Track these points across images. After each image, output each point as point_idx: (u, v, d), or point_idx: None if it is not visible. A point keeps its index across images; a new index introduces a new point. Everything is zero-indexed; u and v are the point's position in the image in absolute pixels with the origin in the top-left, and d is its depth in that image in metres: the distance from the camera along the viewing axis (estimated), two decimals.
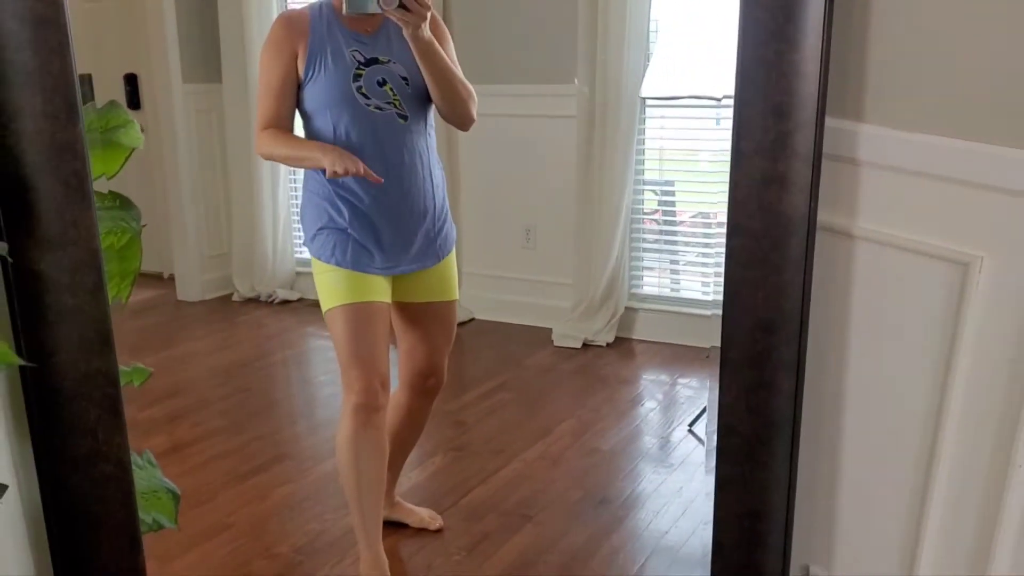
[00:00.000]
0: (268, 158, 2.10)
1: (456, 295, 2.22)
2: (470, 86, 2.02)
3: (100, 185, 1.41)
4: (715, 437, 1.31)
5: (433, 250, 2.11)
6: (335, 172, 1.90)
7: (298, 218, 2.17)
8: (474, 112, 2.04)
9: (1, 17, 1.03)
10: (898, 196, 1.21)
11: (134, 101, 4.80)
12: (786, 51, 1.11)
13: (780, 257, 1.18)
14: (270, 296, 4.58)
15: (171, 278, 4.73)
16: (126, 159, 1.44)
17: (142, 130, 4.56)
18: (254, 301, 4.60)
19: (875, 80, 1.20)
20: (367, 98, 1.96)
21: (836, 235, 1.27)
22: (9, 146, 1.07)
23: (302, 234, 2.15)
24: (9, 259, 1.06)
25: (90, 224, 1.12)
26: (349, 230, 2.02)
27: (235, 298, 4.63)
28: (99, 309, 1.14)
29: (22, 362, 1.03)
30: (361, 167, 1.90)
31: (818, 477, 1.37)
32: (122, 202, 1.37)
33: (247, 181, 4.54)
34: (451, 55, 2.02)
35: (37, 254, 1.10)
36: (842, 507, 1.37)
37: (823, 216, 1.24)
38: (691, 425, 3.14)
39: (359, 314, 2.04)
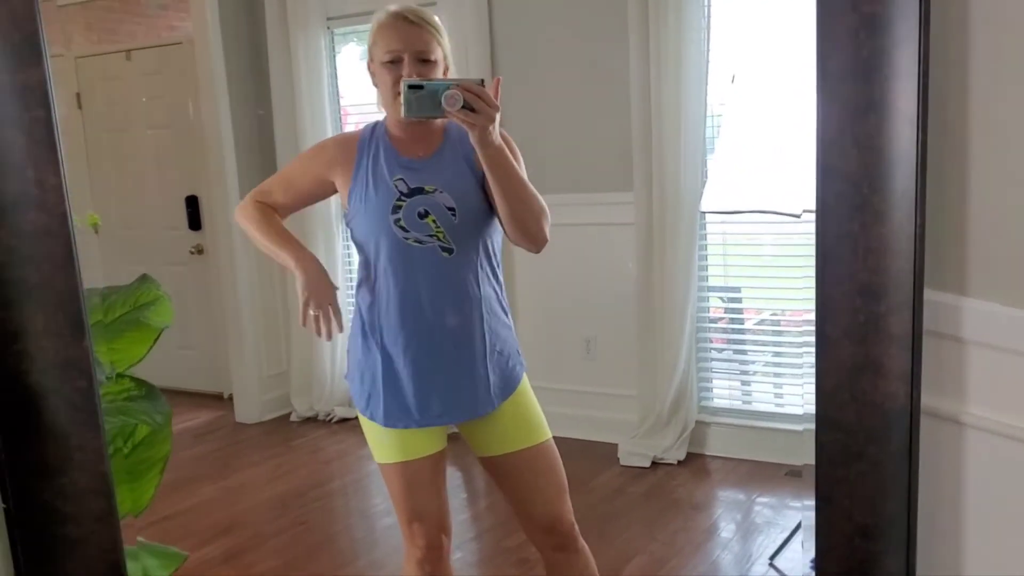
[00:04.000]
0: (241, 227, 1.93)
1: (544, 435, 1.94)
2: (543, 201, 1.80)
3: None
4: None
5: (487, 395, 1.87)
6: (304, 305, 1.77)
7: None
8: (547, 231, 1.82)
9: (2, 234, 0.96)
10: (1011, 379, 1.03)
11: (195, 222, 4.87)
12: (872, 224, 0.97)
13: (878, 453, 1.02)
14: (328, 415, 4.50)
15: (231, 398, 4.69)
16: (155, 341, 1.36)
17: (201, 250, 4.57)
18: (312, 420, 4.52)
19: (978, 250, 1.04)
20: (405, 231, 1.79)
21: (942, 421, 1.09)
22: (10, 368, 0.98)
23: None
24: (4, 505, 0.96)
25: (98, 446, 1.01)
26: (382, 378, 1.85)
27: (293, 418, 4.55)
28: (108, 537, 1.02)
29: None
30: (330, 308, 1.77)
31: None
32: (147, 391, 1.28)
33: None
34: (522, 171, 1.82)
35: (40, 482, 1.00)
36: None
37: (928, 400, 1.07)
38: (772, 559, 2.91)
39: (410, 471, 1.90)
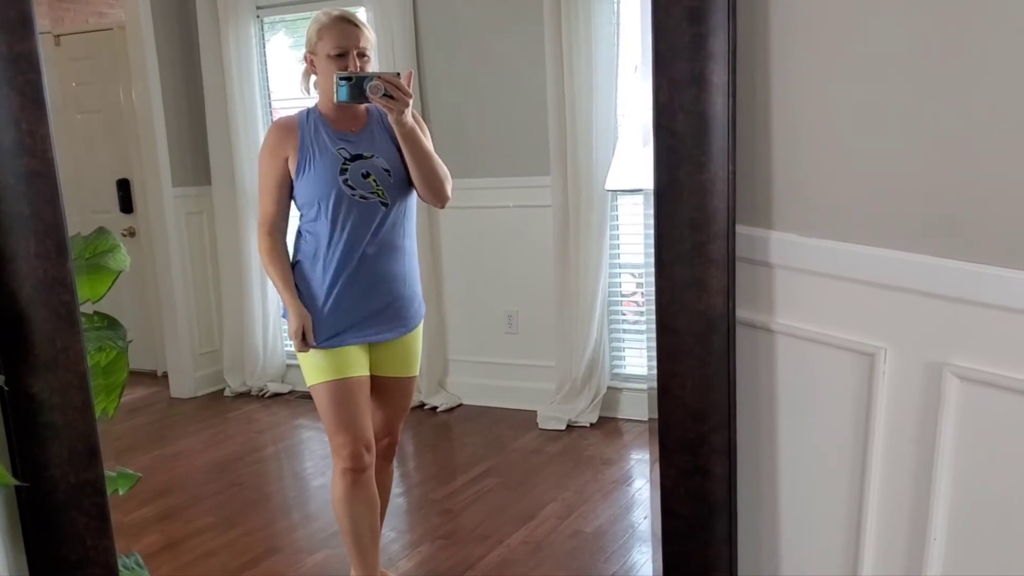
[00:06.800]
0: (263, 262, 2.33)
1: (417, 371, 2.46)
2: (445, 168, 2.26)
3: (88, 306, 1.53)
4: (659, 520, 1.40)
5: (405, 320, 2.34)
6: (294, 335, 2.22)
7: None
8: (449, 191, 2.27)
9: (0, 174, 1.18)
10: (807, 294, 1.33)
11: (127, 205, 4.96)
12: (695, 173, 1.25)
13: (704, 352, 1.31)
14: (261, 390, 4.67)
15: (165, 375, 4.83)
16: (113, 281, 1.57)
17: (133, 233, 4.67)
18: (245, 396, 4.68)
19: (779, 194, 1.34)
20: (352, 188, 2.19)
21: (758, 330, 1.39)
22: (6, 284, 1.20)
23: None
24: (5, 387, 1.18)
25: (78, 349, 1.24)
26: (328, 300, 2.23)
27: (227, 393, 4.72)
28: (87, 425, 1.25)
29: (17, 483, 1.14)
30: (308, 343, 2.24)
31: (761, 555, 1.46)
32: (109, 322, 1.49)
33: (236, 279, 4.68)
34: (429, 143, 2.26)
35: (30, 379, 1.22)
36: None
37: (746, 314, 1.37)
38: None
39: (340, 389, 2.25)
